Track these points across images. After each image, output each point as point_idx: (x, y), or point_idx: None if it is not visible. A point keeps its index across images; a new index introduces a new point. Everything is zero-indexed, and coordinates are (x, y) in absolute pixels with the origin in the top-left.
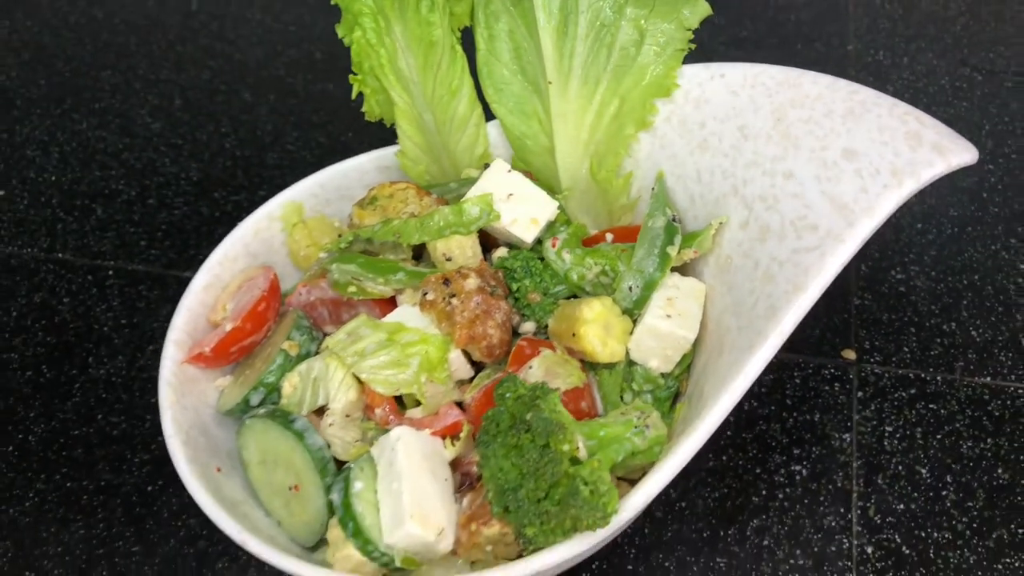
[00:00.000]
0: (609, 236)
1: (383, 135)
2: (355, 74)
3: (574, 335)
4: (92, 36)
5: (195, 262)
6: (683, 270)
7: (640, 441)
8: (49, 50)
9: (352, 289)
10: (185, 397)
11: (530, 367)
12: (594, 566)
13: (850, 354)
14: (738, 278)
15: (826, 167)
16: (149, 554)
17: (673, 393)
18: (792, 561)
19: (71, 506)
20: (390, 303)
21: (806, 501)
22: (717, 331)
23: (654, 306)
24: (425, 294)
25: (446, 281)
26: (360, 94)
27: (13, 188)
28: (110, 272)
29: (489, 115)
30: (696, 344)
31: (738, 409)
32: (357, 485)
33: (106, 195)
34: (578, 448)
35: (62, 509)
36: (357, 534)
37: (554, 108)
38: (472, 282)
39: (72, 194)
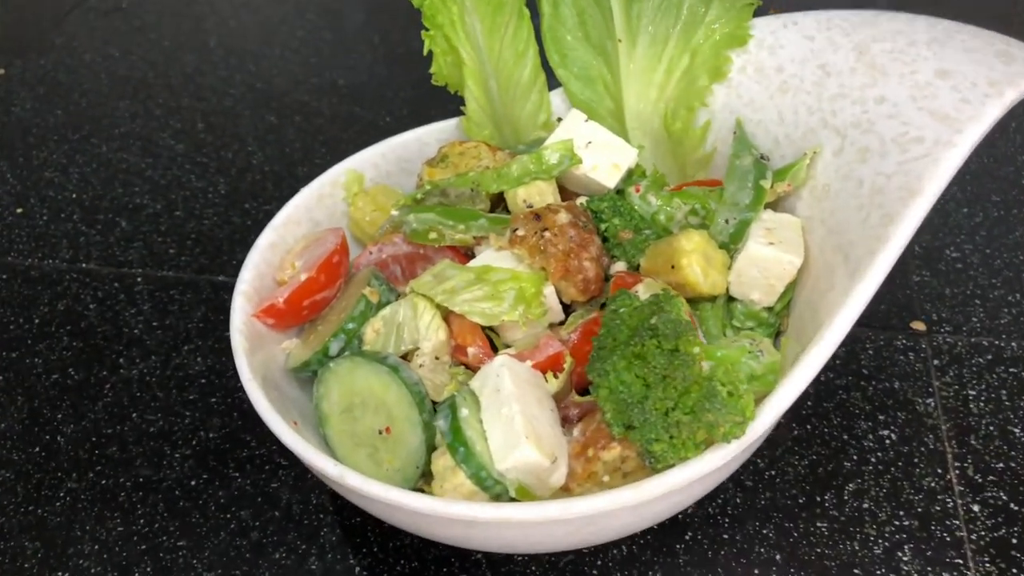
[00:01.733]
0: (685, 189)
1: None
2: (427, 29)
3: (673, 267)
4: (108, 71)
5: (230, 267)
6: (774, 207)
7: (756, 365)
8: (65, 85)
9: (433, 235)
10: (255, 353)
11: (636, 291)
12: (688, 536)
13: (919, 326)
14: (840, 201)
15: (919, 87)
16: (197, 548)
17: (775, 330)
18: (896, 522)
19: (107, 503)
20: (469, 256)
21: (900, 463)
22: (821, 260)
23: (754, 236)
24: (515, 230)
25: (537, 216)
26: (430, 52)
27: (32, 206)
28: (138, 279)
29: (551, 84)
30: (796, 280)
31: (815, 381)
32: (463, 411)
33: (130, 209)
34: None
35: (97, 507)
36: (469, 459)
37: (623, 67)
38: (564, 216)
39: (94, 209)
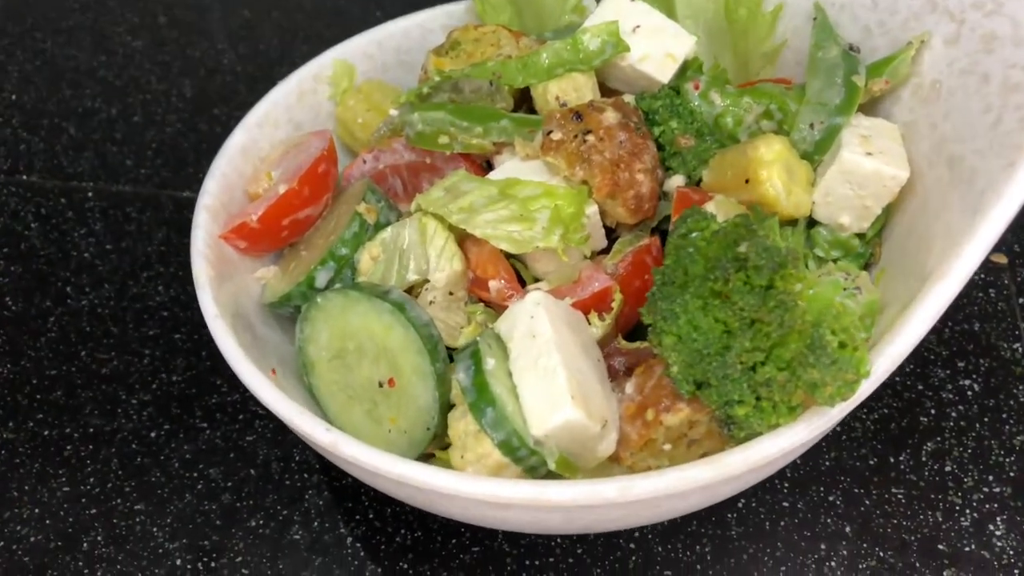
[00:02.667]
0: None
1: None
2: None
3: (748, 181)
4: None
5: (195, 181)
6: (864, 111)
7: (854, 305)
8: None
9: (444, 140)
10: (224, 282)
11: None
12: (741, 504)
13: (1000, 258)
14: (956, 102)
15: None
16: (158, 513)
17: (865, 261)
18: (986, 488)
19: (49, 458)
20: (486, 169)
21: (986, 419)
22: (930, 175)
23: (848, 143)
24: (549, 133)
25: (576, 115)
26: None
27: None
28: (89, 194)
29: None
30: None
31: None
32: (489, 361)
33: (79, 114)
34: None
35: (38, 463)
36: (499, 423)
37: None
38: (611, 116)
39: (37, 113)
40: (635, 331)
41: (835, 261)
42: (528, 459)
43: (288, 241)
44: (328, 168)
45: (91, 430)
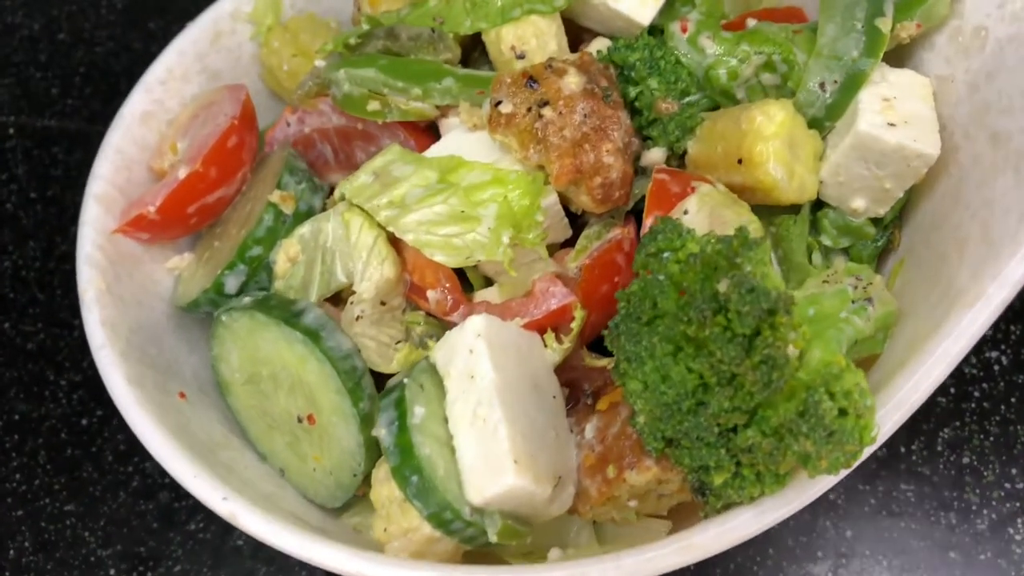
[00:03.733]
0: (751, 23)
1: None
2: None
3: (742, 161)
4: None
5: None
6: (893, 58)
7: (862, 322)
8: None
9: (374, 106)
10: (121, 285)
11: (685, 211)
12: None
13: None
14: (1007, 58)
15: None
16: (90, 515)
17: (881, 250)
18: (1009, 485)
19: None
20: (429, 132)
21: (1013, 400)
22: (968, 151)
23: (866, 110)
24: (497, 104)
25: (531, 80)
26: None
27: None
28: (10, 131)
29: None
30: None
31: None
32: (418, 412)
33: None
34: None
35: None
36: (428, 494)
37: None
38: (573, 80)
39: None
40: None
41: (846, 250)
42: (464, 531)
43: (201, 225)
44: (241, 140)
45: (16, 417)
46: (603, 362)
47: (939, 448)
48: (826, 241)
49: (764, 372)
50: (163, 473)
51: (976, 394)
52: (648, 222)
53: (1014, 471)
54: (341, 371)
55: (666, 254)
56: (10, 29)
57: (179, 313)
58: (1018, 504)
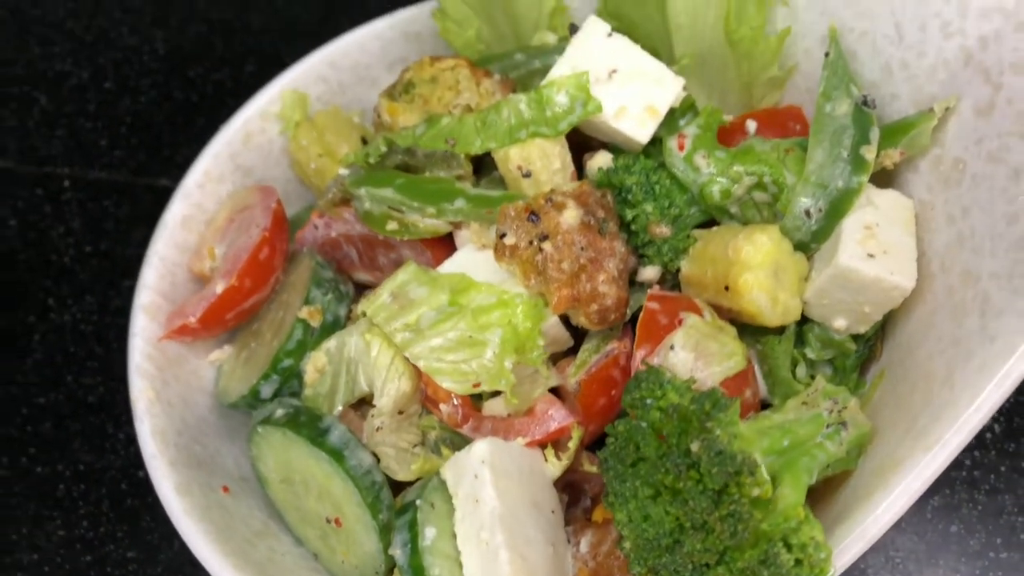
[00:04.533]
0: (751, 124)
1: None
2: None
3: (728, 288)
4: None
5: (171, 166)
6: (880, 179)
7: (835, 447)
8: None
9: (392, 226)
10: (169, 389)
11: (671, 347)
12: None
13: None
14: (980, 195)
15: None
16: (149, 561)
17: (863, 360)
18: (993, 554)
19: (45, 498)
20: (445, 240)
21: (1003, 469)
22: (942, 283)
23: (848, 239)
24: (502, 236)
25: (532, 215)
26: None
27: None
28: (65, 183)
29: None
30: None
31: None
32: (429, 533)
33: (50, 79)
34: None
35: (33, 503)
36: None
37: None
38: (571, 215)
39: (6, 79)
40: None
41: (830, 362)
42: None
43: (238, 323)
44: (272, 249)
45: (81, 467)
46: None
47: (929, 516)
48: (810, 354)
49: (730, 524)
50: None
51: (967, 462)
52: (638, 355)
53: (999, 541)
54: (362, 487)
55: (649, 401)
56: (60, 78)
57: (215, 410)
58: (1000, 573)
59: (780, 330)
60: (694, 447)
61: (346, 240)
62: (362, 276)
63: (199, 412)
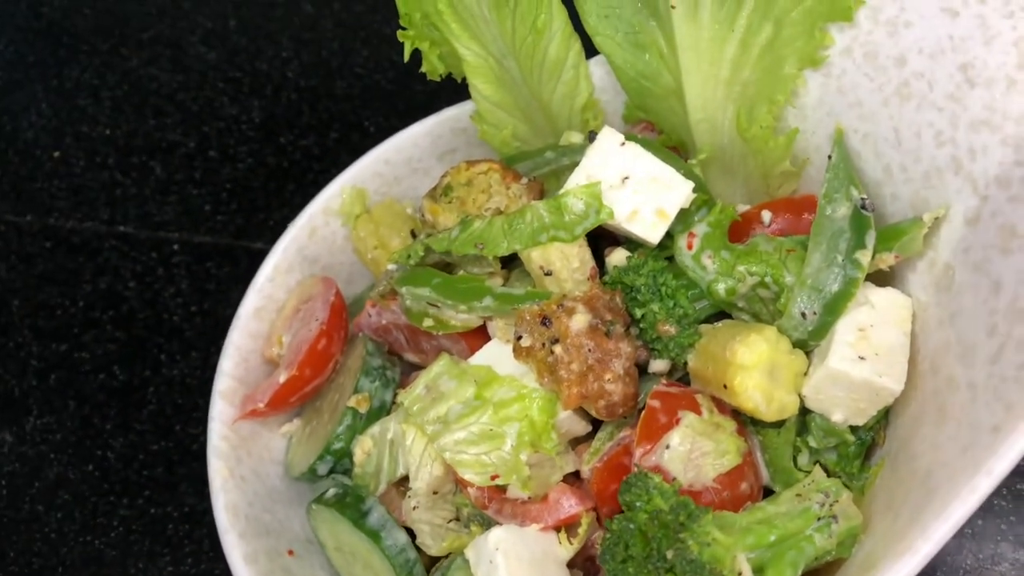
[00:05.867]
0: (767, 215)
1: None
2: (404, 29)
3: (726, 387)
4: None
5: (264, 230)
6: (879, 277)
7: (824, 540)
8: None
9: (428, 323)
10: (242, 465)
11: (667, 447)
12: None
13: None
14: (965, 304)
15: None
16: None
17: (866, 447)
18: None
19: (157, 536)
20: (480, 331)
21: None
22: (934, 378)
23: (839, 342)
24: (519, 338)
25: (545, 320)
26: (416, 51)
27: (67, 147)
28: (175, 247)
29: (591, 50)
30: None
31: None
32: None
33: (164, 148)
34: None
35: (148, 540)
36: None
37: (680, 38)
38: (580, 320)
39: (128, 149)
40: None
41: (834, 448)
42: None
43: (302, 403)
44: (330, 339)
45: (186, 509)
46: None
47: None
48: (812, 443)
49: None
50: None
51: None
52: (638, 452)
53: None
54: (396, 565)
55: (638, 504)
56: (172, 147)
57: (285, 479)
58: None
59: (779, 424)
60: (669, 555)
61: (395, 327)
62: (411, 357)
63: (270, 482)
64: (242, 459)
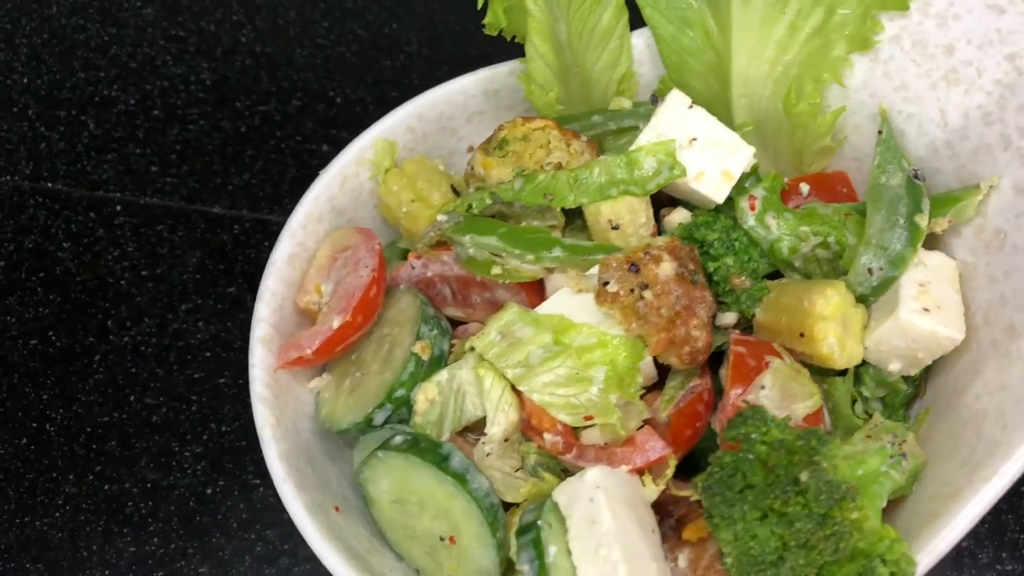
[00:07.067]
0: (804, 187)
1: (432, 26)
2: None
3: (802, 335)
4: None
5: (223, 194)
6: (927, 242)
7: (898, 475)
8: None
9: (496, 271)
10: (285, 415)
11: (762, 387)
12: None
13: None
14: (1021, 261)
15: None
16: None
17: (909, 398)
18: (1000, 567)
19: (113, 514)
20: (536, 285)
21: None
22: (986, 334)
23: (906, 295)
24: (605, 284)
25: (633, 266)
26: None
27: None
28: (117, 208)
29: (634, 23)
30: None
31: None
32: (551, 550)
33: (97, 104)
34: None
35: (103, 519)
36: None
37: (734, 13)
38: (668, 267)
39: (54, 102)
40: (682, 465)
41: (881, 399)
42: None
43: (339, 355)
44: (379, 288)
45: (148, 485)
46: (685, 492)
47: None
48: (865, 393)
49: (832, 542)
50: (283, 540)
51: None
52: (732, 393)
53: (1004, 555)
54: (484, 508)
55: (754, 435)
56: (107, 103)
57: (316, 434)
58: None
59: (842, 372)
60: (803, 477)
61: (441, 279)
62: (452, 312)
63: (305, 437)
64: (284, 410)
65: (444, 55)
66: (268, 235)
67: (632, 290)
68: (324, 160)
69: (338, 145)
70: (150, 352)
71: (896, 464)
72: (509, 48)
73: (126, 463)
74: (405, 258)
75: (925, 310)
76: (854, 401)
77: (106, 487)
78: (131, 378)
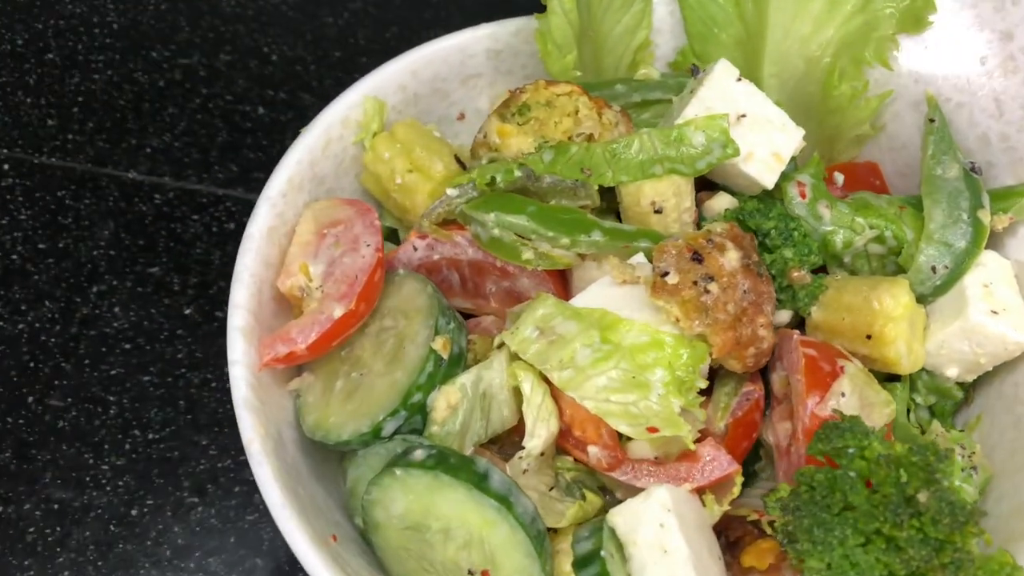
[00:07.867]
0: (839, 177)
1: None
2: None
3: (870, 337)
4: None
5: (140, 157)
6: None
7: (972, 489)
8: None
9: (528, 255)
10: (271, 423)
11: (842, 394)
12: None
13: None
14: None
15: None
16: None
17: (958, 405)
18: None
19: (12, 542)
20: (558, 274)
21: None
22: None
23: (973, 296)
24: (664, 275)
25: (696, 255)
26: None
27: None
28: (5, 167)
29: None
30: None
31: None
32: None
33: None
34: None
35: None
36: None
37: None
38: (733, 256)
39: None
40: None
41: (930, 408)
42: None
43: (338, 348)
44: (383, 272)
45: (55, 506)
46: (741, 512)
47: None
48: (917, 399)
49: (951, 571)
50: (229, 569)
51: None
52: (810, 402)
53: None
54: (531, 536)
55: (851, 450)
56: None
57: (301, 437)
58: None
59: (898, 378)
60: (922, 497)
61: (449, 264)
62: (459, 303)
63: (291, 450)
64: (269, 417)
65: (392, 15)
66: (197, 207)
67: (695, 282)
68: (259, 124)
69: (274, 107)
70: (53, 343)
71: (968, 478)
72: (465, 15)
73: (25, 479)
74: (389, 238)
75: (994, 312)
76: (909, 409)
77: (0, 509)
78: (29, 375)
